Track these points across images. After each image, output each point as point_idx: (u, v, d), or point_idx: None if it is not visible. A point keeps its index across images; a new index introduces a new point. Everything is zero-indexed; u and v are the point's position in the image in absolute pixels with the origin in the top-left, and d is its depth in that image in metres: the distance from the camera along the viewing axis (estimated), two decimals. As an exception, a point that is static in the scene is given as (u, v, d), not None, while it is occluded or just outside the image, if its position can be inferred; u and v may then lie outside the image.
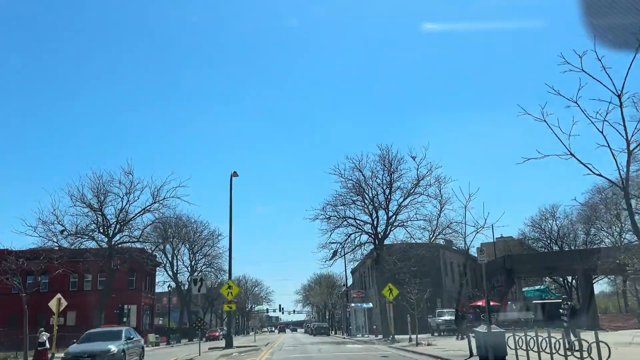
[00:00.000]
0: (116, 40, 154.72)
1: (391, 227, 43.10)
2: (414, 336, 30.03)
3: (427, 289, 35.20)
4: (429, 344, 24.59)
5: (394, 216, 42.99)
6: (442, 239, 42.68)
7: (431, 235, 42.84)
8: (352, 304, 48.71)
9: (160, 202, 36.12)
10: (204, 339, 71.33)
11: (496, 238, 64.35)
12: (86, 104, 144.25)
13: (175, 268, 62.05)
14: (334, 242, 43.85)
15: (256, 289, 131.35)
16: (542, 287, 58.77)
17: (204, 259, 66.48)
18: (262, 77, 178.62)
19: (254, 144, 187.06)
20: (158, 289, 70.35)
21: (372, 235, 43.67)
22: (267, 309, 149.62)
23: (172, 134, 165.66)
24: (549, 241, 60.13)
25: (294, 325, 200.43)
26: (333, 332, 70.63)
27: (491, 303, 48.37)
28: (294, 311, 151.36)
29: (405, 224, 42.52)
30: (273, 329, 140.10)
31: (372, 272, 60.84)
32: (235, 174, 30.75)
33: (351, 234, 44.08)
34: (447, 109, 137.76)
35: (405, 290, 41.21)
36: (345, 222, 44.25)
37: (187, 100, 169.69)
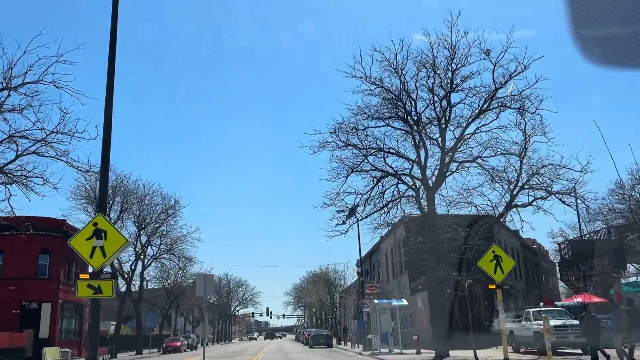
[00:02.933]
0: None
1: (446, 169, 25.17)
2: None
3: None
4: None
5: (452, 153, 25.05)
6: (536, 187, 24.66)
7: (512, 187, 24.91)
8: (376, 301, 30.64)
9: (19, 90, 17.91)
10: (159, 350, 53.18)
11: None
12: None
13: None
14: (352, 193, 25.92)
15: (240, 289, 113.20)
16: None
17: (159, 241, 48.05)
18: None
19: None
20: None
21: (418, 181, 25.67)
22: (253, 313, 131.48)
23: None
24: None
25: (284, 331, 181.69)
26: (335, 342, 52.32)
27: (594, 299, 30.85)
28: (283, 315, 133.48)
29: (477, 160, 24.62)
30: (256, 335, 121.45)
31: (396, 255, 42.90)
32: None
33: (380, 178, 26.11)
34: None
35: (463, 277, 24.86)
36: (367, 163, 26.24)
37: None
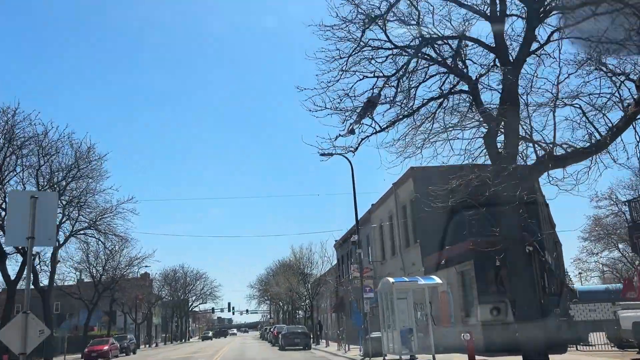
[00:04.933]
0: None
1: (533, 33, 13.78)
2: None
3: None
4: None
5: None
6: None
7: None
8: (392, 280, 18.96)
9: None
10: (82, 357, 40.53)
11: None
12: None
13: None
14: (367, 75, 14.28)
15: (198, 282, 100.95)
16: None
17: (77, 212, 35.39)
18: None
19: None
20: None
21: (488, 52, 14.26)
22: (213, 308, 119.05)
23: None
24: None
25: (248, 327, 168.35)
26: (314, 342, 40.52)
27: None
28: (247, 311, 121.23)
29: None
30: (210, 333, 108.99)
31: (399, 222, 31.49)
32: None
33: (416, 53, 14.50)
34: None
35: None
36: (388, 44, 14.56)
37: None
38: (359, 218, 40.23)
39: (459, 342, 22.92)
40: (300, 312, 74.29)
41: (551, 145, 13.66)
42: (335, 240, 52.64)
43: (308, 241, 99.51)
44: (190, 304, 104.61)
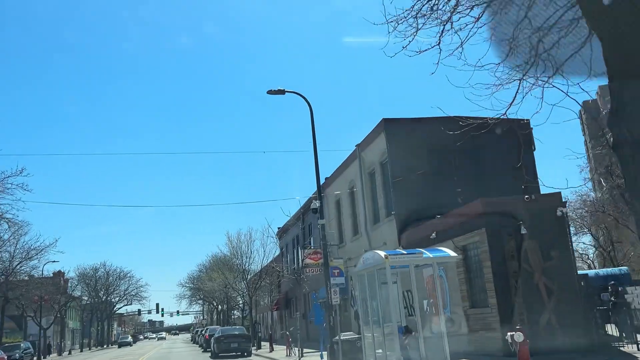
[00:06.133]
0: None
1: None
2: None
3: None
4: None
5: None
6: None
7: None
8: (382, 253, 12.20)
9: None
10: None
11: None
12: None
13: None
14: None
15: (122, 282, 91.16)
16: None
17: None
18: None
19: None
20: None
21: None
22: (139, 310, 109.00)
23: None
24: None
25: (179, 330, 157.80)
26: (254, 346, 33.04)
27: None
28: (177, 312, 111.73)
29: None
30: (130, 339, 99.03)
31: (365, 192, 24.90)
32: None
33: None
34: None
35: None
36: None
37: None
38: (312, 191, 33.76)
39: (458, 346, 16.60)
40: (236, 312, 66.82)
41: None
42: (279, 228, 45.71)
43: (247, 225, 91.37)
44: (113, 306, 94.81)
